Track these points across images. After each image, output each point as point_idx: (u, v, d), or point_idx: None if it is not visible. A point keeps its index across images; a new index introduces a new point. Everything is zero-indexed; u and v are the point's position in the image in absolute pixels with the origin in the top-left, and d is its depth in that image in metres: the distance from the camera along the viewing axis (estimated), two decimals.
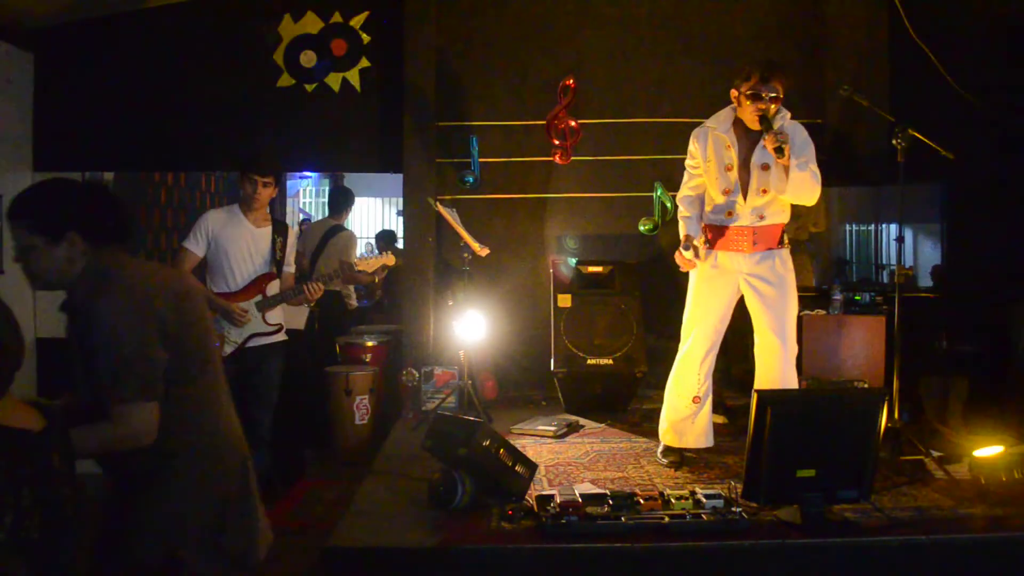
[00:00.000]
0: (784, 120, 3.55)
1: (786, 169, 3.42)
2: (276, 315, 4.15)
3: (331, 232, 6.12)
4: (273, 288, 4.13)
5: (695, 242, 3.65)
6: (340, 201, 6.45)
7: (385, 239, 7.97)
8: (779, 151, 3.38)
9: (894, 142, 3.83)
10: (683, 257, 3.69)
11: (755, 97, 3.46)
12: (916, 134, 3.81)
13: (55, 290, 2.04)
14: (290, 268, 4.24)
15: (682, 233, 3.73)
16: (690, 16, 5.45)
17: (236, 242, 4.07)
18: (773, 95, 3.46)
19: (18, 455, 1.47)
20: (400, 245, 9.93)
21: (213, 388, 2.12)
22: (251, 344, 4.08)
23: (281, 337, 4.21)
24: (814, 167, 3.51)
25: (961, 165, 4.07)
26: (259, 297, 4.09)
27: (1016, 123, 5.02)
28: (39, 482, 1.48)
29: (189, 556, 1.98)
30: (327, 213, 6.53)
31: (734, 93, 3.56)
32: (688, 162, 3.75)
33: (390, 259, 4.41)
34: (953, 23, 5.13)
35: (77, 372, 1.97)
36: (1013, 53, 5.08)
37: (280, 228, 4.21)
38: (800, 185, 3.46)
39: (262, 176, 4.09)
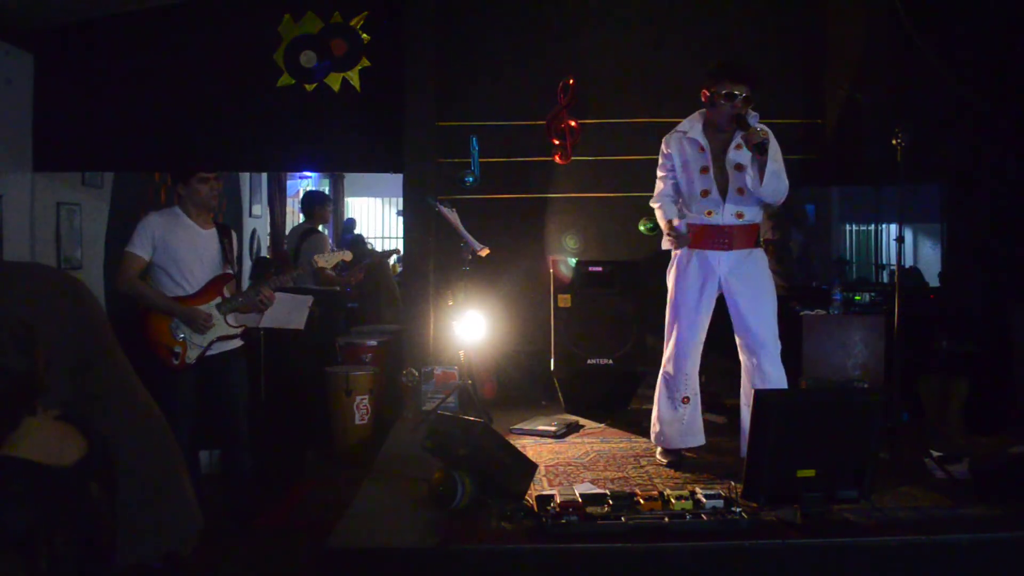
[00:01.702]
0: (756, 120, 3.58)
1: (762, 167, 3.44)
2: (234, 318, 4.00)
3: (304, 236, 6.15)
4: (230, 290, 4.00)
5: (675, 221, 3.66)
6: (311, 204, 6.45)
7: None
8: (760, 148, 3.40)
9: (894, 142, 3.84)
10: (673, 238, 3.67)
11: (729, 97, 3.48)
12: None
13: None
14: (232, 271, 4.08)
15: (663, 220, 3.73)
16: (690, 16, 5.45)
17: (184, 245, 3.89)
18: (745, 95, 3.49)
19: (48, 496, 1.31)
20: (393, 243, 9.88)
21: (127, 364, 2.10)
22: (213, 351, 3.92)
23: (240, 342, 4.07)
24: (783, 166, 3.55)
25: (961, 165, 4.07)
26: (218, 299, 3.93)
27: (1016, 123, 5.01)
28: (75, 521, 1.33)
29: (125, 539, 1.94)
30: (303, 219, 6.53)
31: (705, 93, 3.58)
32: (661, 169, 3.78)
33: (347, 255, 4.41)
34: (953, 23, 5.13)
35: None
36: (1013, 53, 5.08)
37: (224, 230, 4.06)
38: (777, 183, 3.51)
39: (211, 171, 3.96)
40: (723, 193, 3.60)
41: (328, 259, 4.33)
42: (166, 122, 5.23)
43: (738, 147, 3.58)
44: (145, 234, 3.84)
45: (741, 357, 3.68)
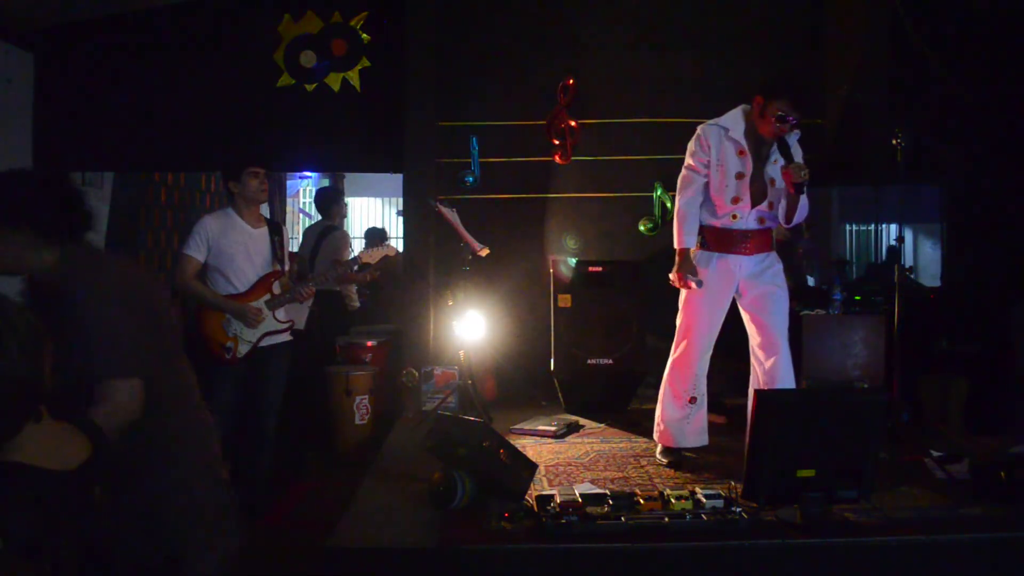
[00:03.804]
0: (798, 137, 3.54)
1: (793, 204, 3.42)
2: (283, 313, 4.17)
3: (324, 233, 6.13)
4: (278, 286, 4.13)
5: (693, 251, 3.63)
6: (327, 202, 6.44)
7: (376, 236, 7.70)
8: (798, 187, 3.34)
9: (894, 142, 3.84)
10: (682, 277, 3.61)
11: (782, 120, 3.37)
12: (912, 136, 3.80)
13: (12, 275, 2.04)
14: (285, 268, 4.26)
15: (681, 243, 3.62)
16: (690, 16, 5.45)
17: (237, 245, 4.05)
18: (795, 121, 3.40)
19: (53, 501, 1.30)
20: (393, 243, 9.87)
21: (189, 371, 2.13)
22: (264, 343, 4.08)
23: (288, 336, 4.22)
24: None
25: (961, 165, 4.08)
26: (267, 296, 4.08)
27: (1016, 123, 5.02)
28: (79, 525, 1.33)
29: (193, 552, 1.96)
30: (319, 217, 6.50)
31: (759, 101, 3.43)
32: (695, 159, 3.58)
33: (391, 249, 4.42)
34: (953, 23, 5.13)
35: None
36: (1013, 53, 5.09)
37: (275, 227, 4.22)
38: (803, 213, 3.49)
39: (263, 167, 4.09)
40: (754, 202, 3.55)
41: (373, 254, 4.34)
42: (166, 122, 5.24)
43: (775, 161, 3.51)
44: (199, 236, 4.00)
45: (753, 358, 3.66)
